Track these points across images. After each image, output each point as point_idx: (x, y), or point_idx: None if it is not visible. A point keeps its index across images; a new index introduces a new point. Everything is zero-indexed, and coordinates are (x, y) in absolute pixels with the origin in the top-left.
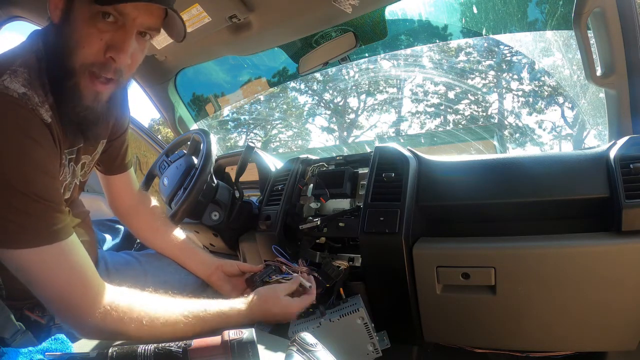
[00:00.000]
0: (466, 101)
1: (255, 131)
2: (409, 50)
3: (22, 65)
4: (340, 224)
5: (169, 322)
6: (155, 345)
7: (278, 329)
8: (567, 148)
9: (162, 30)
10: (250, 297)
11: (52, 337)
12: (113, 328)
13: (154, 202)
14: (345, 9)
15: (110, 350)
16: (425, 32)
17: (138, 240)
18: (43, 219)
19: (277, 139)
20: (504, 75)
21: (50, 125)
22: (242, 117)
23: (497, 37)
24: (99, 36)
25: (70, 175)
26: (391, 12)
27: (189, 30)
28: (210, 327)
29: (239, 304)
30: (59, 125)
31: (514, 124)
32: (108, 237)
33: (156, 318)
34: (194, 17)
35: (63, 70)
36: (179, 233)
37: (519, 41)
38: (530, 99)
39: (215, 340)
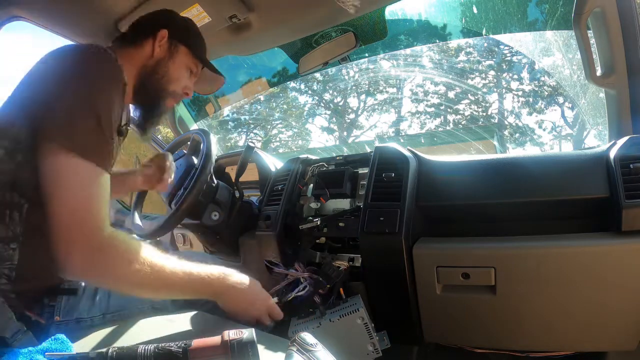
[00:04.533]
0: (466, 101)
1: (255, 131)
2: (409, 50)
3: None
4: (340, 224)
5: (164, 273)
6: (155, 345)
7: (278, 329)
8: (567, 148)
9: None
10: (244, 279)
11: (52, 337)
12: (107, 259)
13: None
14: (348, 8)
15: (110, 351)
16: (425, 32)
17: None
18: (102, 146)
19: (277, 139)
20: (504, 75)
21: (125, 88)
22: (242, 117)
23: (497, 37)
24: (187, 79)
25: (118, 149)
26: (391, 12)
27: None
28: (196, 286)
29: (228, 275)
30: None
31: (514, 124)
32: None
33: (151, 265)
34: (194, 17)
35: (160, 88)
36: None
37: (519, 41)
38: (530, 99)
39: (215, 340)
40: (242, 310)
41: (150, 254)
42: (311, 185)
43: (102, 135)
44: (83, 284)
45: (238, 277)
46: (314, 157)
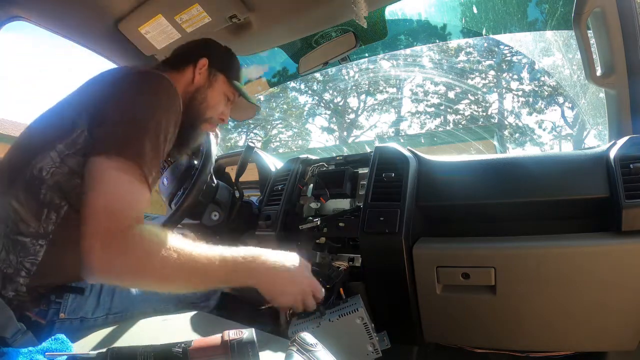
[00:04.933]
0: (466, 101)
1: (255, 131)
2: (409, 50)
3: None
4: (340, 224)
5: (193, 257)
6: (155, 345)
7: (278, 329)
8: (567, 148)
9: (161, 30)
10: (280, 257)
11: (52, 337)
12: (131, 252)
13: None
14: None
15: (110, 351)
16: (425, 32)
17: None
18: (154, 162)
19: (277, 139)
20: (504, 75)
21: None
22: None
23: (497, 37)
24: (224, 106)
25: None
26: (391, 12)
27: (189, 30)
28: (228, 271)
29: (259, 255)
30: None
31: (514, 124)
32: None
33: (177, 251)
34: (194, 17)
35: (198, 113)
36: None
37: (519, 41)
38: (530, 99)
39: (215, 340)
40: (280, 292)
41: (177, 241)
42: (311, 185)
43: (157, 152)
44: (90, 282)
45: (272, 256)
46: (314, 157)
